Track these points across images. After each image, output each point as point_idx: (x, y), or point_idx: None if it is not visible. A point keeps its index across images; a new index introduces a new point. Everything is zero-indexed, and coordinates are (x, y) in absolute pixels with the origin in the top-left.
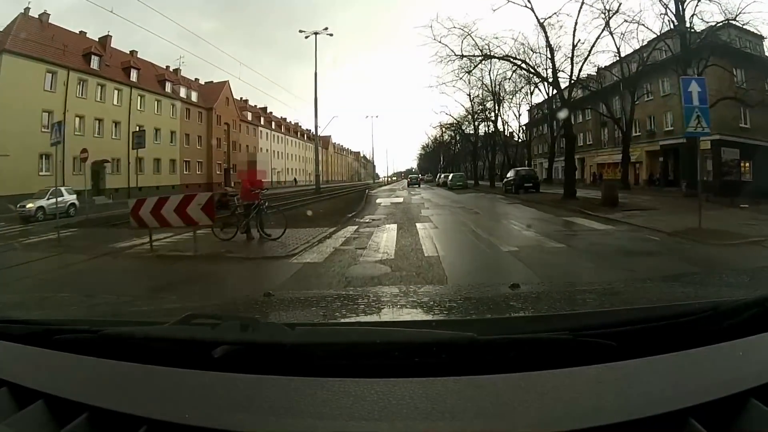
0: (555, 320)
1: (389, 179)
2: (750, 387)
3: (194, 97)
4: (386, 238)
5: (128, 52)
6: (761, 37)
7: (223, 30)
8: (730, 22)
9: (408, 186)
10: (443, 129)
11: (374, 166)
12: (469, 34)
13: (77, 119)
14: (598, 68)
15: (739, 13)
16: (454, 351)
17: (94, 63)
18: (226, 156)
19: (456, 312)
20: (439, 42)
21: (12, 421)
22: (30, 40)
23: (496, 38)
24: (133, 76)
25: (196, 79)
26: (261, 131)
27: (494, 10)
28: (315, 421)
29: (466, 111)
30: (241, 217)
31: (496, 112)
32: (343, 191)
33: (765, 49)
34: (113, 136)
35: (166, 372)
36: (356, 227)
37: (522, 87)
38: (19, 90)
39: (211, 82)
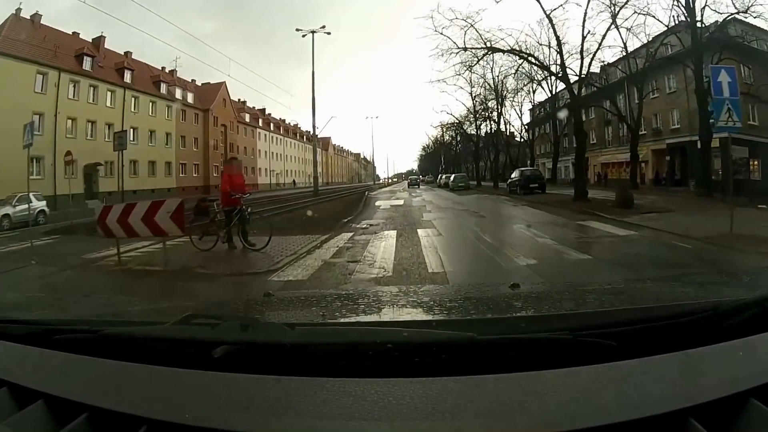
0: (555, 320)
1: (390, 180)
2: (750, 387)
3: (190, 98)
4: (384, 248)
5: (122, 53)
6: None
7: (222, 32)
8: (735, 17)
9: (408, 187)
10: (444, 129)
11: (374, 168)
12: (472, 26)
13: (69, 121)
14: (604, 64)
15: (751, 5)
16: (454, 351)
17: (87, 64)
18: (224, 158)
19: (456, 312)
20: (441, 34)
21: (12, 421)
22: (20, 41)
23: (501, 30)
24: (127, 77)
25: (192, 80)
26: (259, 133)
27: (497, 2)
28: (315, 421)
29: (468, 110)
30: (221, 225)
31: (499, 110)
32: (342, 193)
33: None
34: (106, 139)
35: (166, 372)
36: (351, 234)
37: (526, 84)
38: (8, 91)
39: (208, 83)
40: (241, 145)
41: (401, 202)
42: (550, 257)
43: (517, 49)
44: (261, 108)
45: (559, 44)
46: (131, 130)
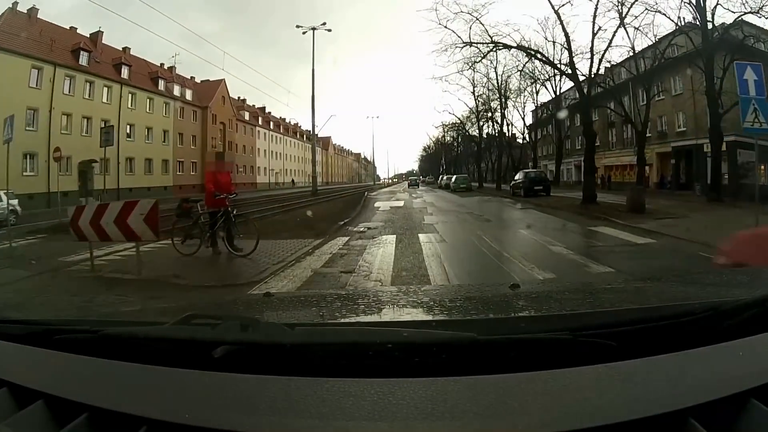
0: (555, 320)
1: (390, 180)
2: (750, 387)
3: (189, 95)
4: (381, 255)
5: (120, 49)
6: None
7: (225, 31)
8: (743, 18)
9: (408, 187)
10: (445, 129)
11: (375, 168)
12: (477, 19)
13: (64, 117)
14: (611, 65)
15: (763, 5)
16: (454, 351)
17: (83, 59)
18: (233, 158)
19: (456, 312)
20: (445, 27)
21: (12, 421)
22: (15, 35)
23: (507, 25)
24: (125, 73)
25: (191, 77)
26: (258, 131)
27: None
28: (315, 421)
29: (470, 110)
30: (205, 228)
31: (502, 110)
32: (341, 193)
33: None
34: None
35: (166, 372)
36: (347, 239)
37: (531, 84)
38: (2, 86)
39: (208, 80)
40: (240, 143)
41: (401, 203)
42: (568, 270)
43: (524, 45)
44: (261, 106)
45: (568, 40)
46: (128, 126)
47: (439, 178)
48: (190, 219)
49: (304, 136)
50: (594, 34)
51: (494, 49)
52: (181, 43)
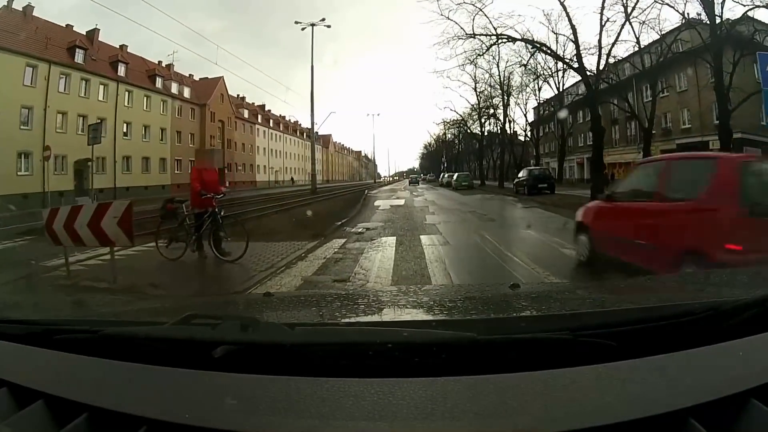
0: (555, 320)
1: (391, 178)
2: (750, 387)
3: (187, 92)
4: (380, 260)
5: (117, 46)
6: None
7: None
8: (748, 14)
9: (409, 184)
10: (446, 126)
11: (376, 166)
12: (480, 10)
13: (59, 115)
14: (616, 60)
15: None
16: (454, 351)
17: (79, 57)
18: (221, 155)
19: (456, 312)
20: (447, 18)
21: (12, 421)
22: (10, 33)
23: (511, 17)
24: (121, 70)
25: (190, 75)
26: (258, 129)
27: None
28: (315, 421)
29: (472, 107)
30: (190, 230)
31: (505, 107)
32: (341, 192)
33: None
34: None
35: (166, 372)
36: (344, 241)
37: (534, 80)
38: None
39: (206, 78)
40: (239, 141)
41: (402, 201)
42: (586, 279)
43: (529, 38)
44: (261, 104)
45: (575, 33)
46: (124, 125)
47: (440, 176)
48: (175, 221)
49: (304, 134)
50: (602, 26)
51: (498, 42)
52: (181, 42)
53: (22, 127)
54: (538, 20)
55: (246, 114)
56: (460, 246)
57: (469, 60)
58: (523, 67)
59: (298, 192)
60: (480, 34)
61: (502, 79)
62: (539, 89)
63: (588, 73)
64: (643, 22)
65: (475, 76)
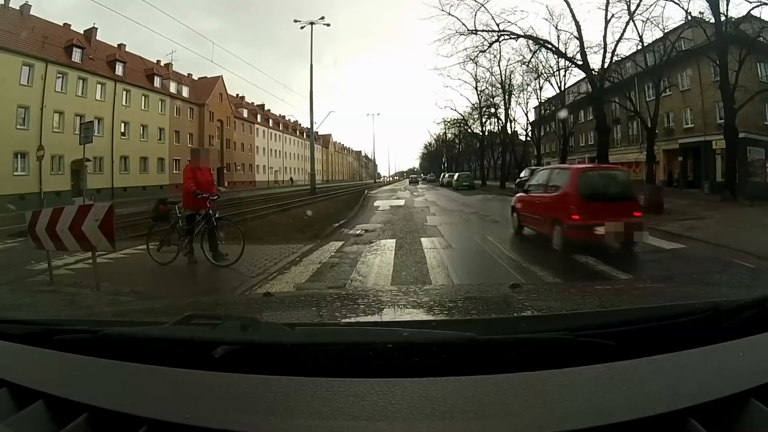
0: (555, 320)
1: (391, 178)
2: (750, 387)
3: (185, 92)
4: (378, 266)
5: (115, 46)
6: None
7: (226, 29)
8: (751, 14)
9: (409, 184)
10: (447, 126)
11: (376, 166)
12: (482, 6)
13: (56, 115)
14: (619, 58)
15: None
16: (454, 351)
17: (76, 56)
18: (220, 154)
19: (456, 312)
20: (448, 14)
21: (12, 421)
22: (6, 32)
23: (514, 13)
24: (119, 69)
25: (189, 74)
26: (257, 129)
27: None
28: (315, 421)
29: (473, 106)
30: (182, 232)
31: (506, 106)
32: (340, 192)
33: None
34: (96, 133)
35: (166, 372)
36: (341, 244)
37: (535, 79)
38: None
39: (205, 77)
40: (238, 141)
41: (402, 202)
42: (587, 279)
43: (532, 35)
44: (260, 104)
45: (579, 29)
46: (122, 124)
47: (441, 176)
48: (168, 223)
49: (304, 134)
50: (607, 22)
51: (500, 39)
52: (181, 41)
53: (18, 126)
54: (541, 16)
55: (245, 113)
56: (464, 250)
57: (470, 58)
58: (524, 66)
59: (297, 192)
60: (482, 30)
61: (503, 77)
62: (540, 88)
63: (592, 71)
64: (647, 19)
65: (476, 75)
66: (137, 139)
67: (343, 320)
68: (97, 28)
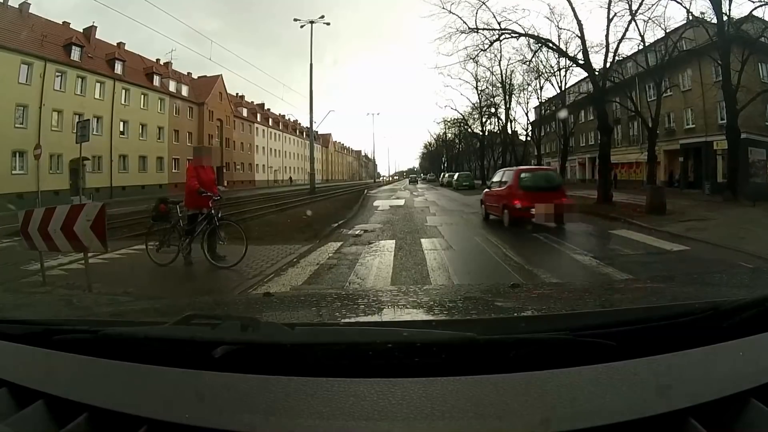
0: (555, 320)
1: (391, 178)
2: (750, 387)
3: (185, 91)
4: (377, 267)
5: (115, 44)
6: None
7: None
8: (753, 14)
9: (409, 183)
10: (447, 126)
11: (375, 165)
12: (483, 3)
13: (55, 114)
14: (620, 58)
15: None
16: (454, 351)
17: (75, 54)
18: (219, 154)
19: (456, 312)
20: (449, 11)
21: (12, 421)
22: (5, 30)
23: (516, 11)
24: (118, 68)
25: (188, 73)
26: (257, 128)
27: None
28: (315, 421)
29: (473, 106)
30: (182, 233)
31: (507, 105)
32: (339, 191)
33: None
34: (94, 132)
35: (166, 372)
36: (339, 245)
37: (536, 79)
38: None
39: (205, 76)
40: (237, 140)
41: (402, 202)
42: (586, 279)
43: (534, 34)
44: (260, 103)
45: (580, 28)
46: (121, 123)
47: (441, 176)
48: (168, 222)
49: (304, 133)
50: (609, 20)
51: (501, 38)
52: (180, 40)
53: (17, 125)
54: (543, 15)
55: (245, 113)
56: (465, 252)
57: (471, 57)
58: (525, 65)
59: (297, 192)
60: (483, 29)
61: (504, 77)
62: (541, 88)
63: (594, 71)
64: (649, 19)
65: (476, 75)
66: (136, 138)
67: (343, 320)
68: (96, 27)
